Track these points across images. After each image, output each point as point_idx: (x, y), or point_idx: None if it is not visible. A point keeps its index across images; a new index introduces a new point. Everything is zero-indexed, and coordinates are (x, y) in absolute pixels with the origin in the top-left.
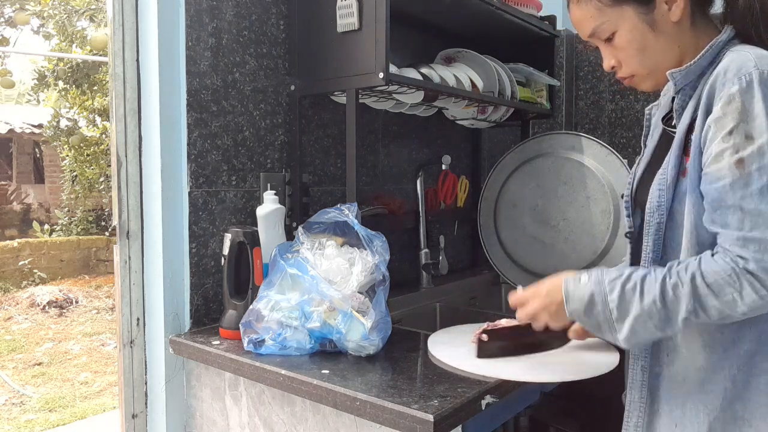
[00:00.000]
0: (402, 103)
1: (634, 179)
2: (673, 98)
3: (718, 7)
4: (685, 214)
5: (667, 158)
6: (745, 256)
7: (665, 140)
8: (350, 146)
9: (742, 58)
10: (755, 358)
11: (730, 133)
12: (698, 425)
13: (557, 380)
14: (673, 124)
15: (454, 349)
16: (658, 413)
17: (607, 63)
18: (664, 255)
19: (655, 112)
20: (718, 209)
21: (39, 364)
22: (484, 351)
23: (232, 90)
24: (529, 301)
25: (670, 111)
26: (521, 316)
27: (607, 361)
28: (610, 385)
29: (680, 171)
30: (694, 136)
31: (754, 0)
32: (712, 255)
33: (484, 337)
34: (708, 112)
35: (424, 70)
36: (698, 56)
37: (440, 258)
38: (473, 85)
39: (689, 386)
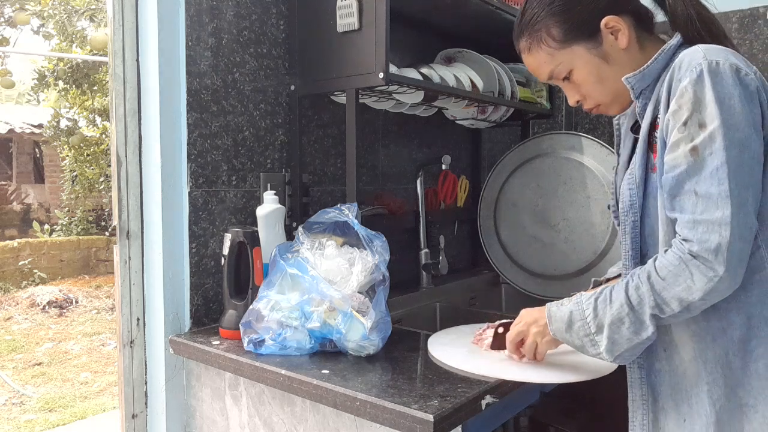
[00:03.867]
0: (402, 103)
1: (616, 188)
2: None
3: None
4: (659, 208)
5: (633, 158)
6: (690, 238)
7: (635, 147)
8: (350, 146)
9: (693, 52)
10: (750, 343)
11: (685, 123)
12: (706, 417)
13: (557, 381)
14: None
15: (455, 349)
16: (664, 410)
17: (572, 99)
18: (644, 252)
19: (623, 122)
20: (677, 196)
21: (39, 364)
22: (499, 342)
23: (232, 90)
24: (518, 324)
25: (637, 120)
26: (511, 335)
27: (608, 362)
28: (610, 386)
29: (649, 168)
30: (658, 132)
31: (690, 9)
32: (665, 251)
33: (501, 329)
34: (668, 107)
35: (424, 70)
36: (651, 60)
37: (440, 258)
38: (473, 85)
39: (690, 379)
